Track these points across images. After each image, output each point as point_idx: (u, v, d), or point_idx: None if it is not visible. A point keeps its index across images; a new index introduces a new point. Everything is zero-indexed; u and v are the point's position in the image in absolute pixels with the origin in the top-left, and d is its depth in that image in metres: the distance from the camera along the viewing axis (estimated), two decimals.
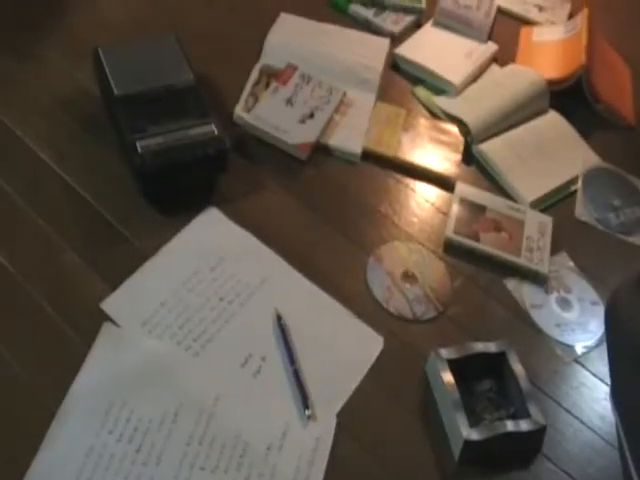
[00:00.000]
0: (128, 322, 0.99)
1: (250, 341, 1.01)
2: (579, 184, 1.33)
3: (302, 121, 1.30)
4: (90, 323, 0.98)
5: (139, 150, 1.10)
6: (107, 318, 0.99)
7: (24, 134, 1.21)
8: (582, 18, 1.62)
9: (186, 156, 1.13)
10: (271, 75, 1.38)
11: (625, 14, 1.81)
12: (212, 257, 1.09)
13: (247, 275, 1.08)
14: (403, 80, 1.47)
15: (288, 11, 1.54)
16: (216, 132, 1.16)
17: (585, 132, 1.43)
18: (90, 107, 1.26)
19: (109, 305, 1.01)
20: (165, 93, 1.19)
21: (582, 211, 1.29)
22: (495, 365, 1.01)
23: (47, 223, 1.09)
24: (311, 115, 1.31)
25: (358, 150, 1.28)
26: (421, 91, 1.44)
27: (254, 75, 1.38)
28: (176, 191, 1.16)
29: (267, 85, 1.36)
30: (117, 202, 1.13)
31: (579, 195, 1.31)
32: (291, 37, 1.48)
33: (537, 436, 0.97)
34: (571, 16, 1.72)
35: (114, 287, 1.03)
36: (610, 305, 1.02)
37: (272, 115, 1.29)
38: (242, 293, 1.06)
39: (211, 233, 1.12)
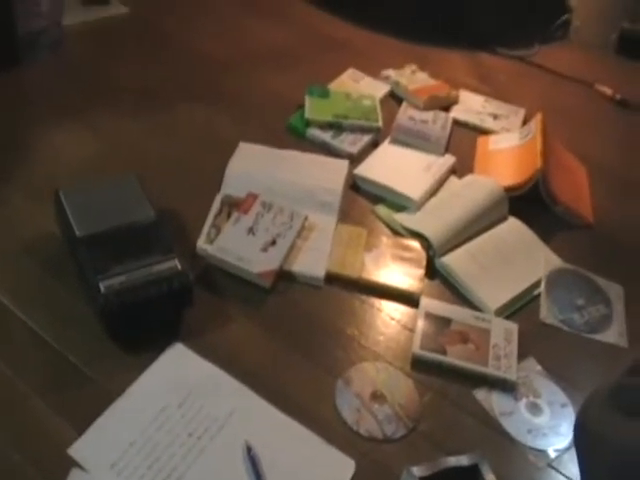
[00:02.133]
0: (96, 466, 1.05)
1: (221, 475, 1.07)
2: (542, 287, 1.42)
3: (264, 249, 1.39)
4: (58, 470, 1.04)
5: (102, 290, 1.18)
6: (75, 464, 1.05)
7: None
8: (536, 123, 1.75)
9: (150, 293, 1.21)
10: (232, 205, 1.48)
11: (577, 115, 1.96)
12: (180, 393, 1.16)
13: (215, 408, 1.14)
14: (364, 200, 1.58)
15: (247, 139, 1.66)
16: (179, 267, 1.25)
17: (546, 235, 1.53)
18: (53, 249, 1.35)
19: (76, 450, 1.06)
20: (127, 231, 1.29)
21: (547, 314, 1.37)
22: (469, 478, 1.06)
23: (12, 369, 1.16)
24: (273, 242, 1.40)
25: (321, 274, 1.37)
26: (382, 209, 1.55)
27: (215, 206, 1.48)
28: (142, 328, 1.23)
29: (229, 215, 1.46)
30: (82, 343, 1.20)
31: (543, 298, 1.40)
32: (251, 165, 1.59)
33: None
34: (525, 122, 1.85)
35: (81, 431, 1.09)
36: (580, 424, 1.06)
37: (234, 245, 1.38)
38: (211, 427, 1.12)
39: (178, 369, 1.19)
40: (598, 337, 1.35)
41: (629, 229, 1.61)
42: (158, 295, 1.21)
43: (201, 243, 1.40)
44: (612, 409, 0.98)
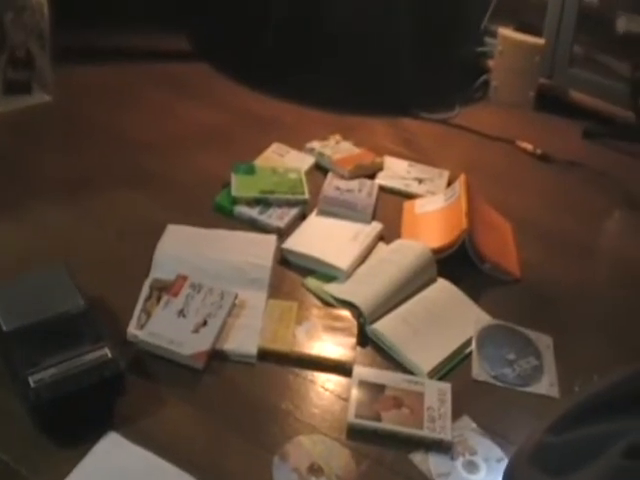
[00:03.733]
0: None
1: None
2: (473, 345, 1.48)
3: (196, 330, 1.43)
4: None
5: (32, 385, 1.21)
6: None
7: None
8: (460, 184, 1.84)
9: (81, 384, 1.24)
10: (162, 288, 1.53)
11: (500, 172, 2.06)
12: None
13: None
14: (294, 273, 1.64)
15: (175, 221, 1.71)
16: (110, 355, 1.28)
17: (474, 293, 1.60)
18: None
19: None
20: (56, 322, 1.33)
21: (479, 371, 1.43)
22: None
23: None
24: (204, 323, 1.45)
25: (254, 351, 1.42)
26: (312, 282, 1.60)
27: (145, 291, 1.52)
28: (74, 420, 1.25)
29: (159, 299, 1.50)
30: (13, 440, 1.22)
31: (474, 356, 1.46)
32: (179, 247, 1.64)
33: None
34: (450, 183, 1.94)
35: None
36: None
37: (165, 329, 1.42)
38: None
39: (112, 459, 1.21)
40: (530, 389, 1.41)
41: (555, 280, 1.70)
42: (89, 385, 1.25)
43: (132, 329, 1.43)
44: (537, 470, 1.03)
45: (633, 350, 1.51)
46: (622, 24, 2.39)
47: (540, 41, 2.42)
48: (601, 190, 2.05)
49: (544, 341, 1.51)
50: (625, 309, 1.65)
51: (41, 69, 2.15)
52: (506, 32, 2.47)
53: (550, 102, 2.39)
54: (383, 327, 1.48)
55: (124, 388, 1.29)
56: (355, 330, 1.47)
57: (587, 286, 1.70)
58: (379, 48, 2.34)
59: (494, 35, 2.51)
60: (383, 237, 1.75)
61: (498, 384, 1.42)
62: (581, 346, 1.53)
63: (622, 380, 1.15)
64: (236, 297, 1.51)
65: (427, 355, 1.44)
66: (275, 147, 2.04)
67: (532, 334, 1.52)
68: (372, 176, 1.96)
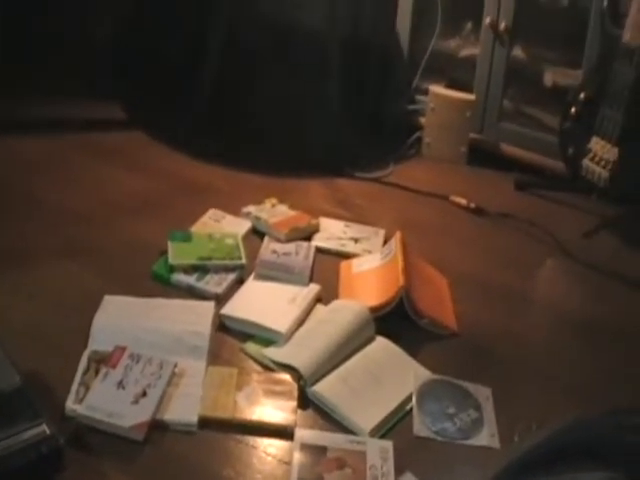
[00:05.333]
0: None
1: None
2: (413, 401, 1.53)
3: (135, 401, 1.45)
4: None
5: None
6: None
7: None
8: (396, 241, 1.91)
9: (18, 462, 1.25)
10: (100, 360, 1.55)
11: (435, 227, 2.14)
12: None
13: None
14: (233, 339, 1.67)
15: (112, 292, 1.74)
16: (48, 431, 1.30)
17: (413, 349, 1.65)
18: None
19: None
20: None
21: (420, 427, 1.48)
22: None
23: None
24: (144, 394, 1.47)
25: (194, 420, 1.44)
26: (251, 346, 1.64)
27: (83, 363, 1.54)
28: None
29: (97, 371, 1.52)
30: None
31: (415, 412, 1.51)
32: (117, 318, 1.67)
33: None
34: (386, 241, 2.00)
35: None
36: None
37: (104, 402, 1.44)
38: None
39: None
40: (471, 442, 1.46)
41: (492, 331, 1.76)
42: (27, 463, 1.25)
43: (70, 403, 1.45)
44: None
45: (571, 399, 1.57)
46: (549, 77, 2.52)
47: (470, 97, 2.53)
48: (534, 240, 2.14)
49: (483, 393, 1.57)
50: (562, 357, 1.72)
51: None
52: (437, 89, 2.58)
53: (482, 156, 2.48)
54: (323, 389, 1.52)
55: (63, 464, 1.30)
56: (296, 393, 1.51)
57: (524, 336, 1.77)
58: (310, 110, 2.42)
59: (425, 93, 2.61)
60: (321, 298, 1.80)
61: (439, 439, 1.46)
62: (520, 396, 1.58)
63: (559, 432, 1.19)
64: (175, 366, 1.54)
65: (368, 414, 1.48)
66: (211, 213, 2.09)
67: (471, 386, 1.58)
68: (309, 238, 2.02)
